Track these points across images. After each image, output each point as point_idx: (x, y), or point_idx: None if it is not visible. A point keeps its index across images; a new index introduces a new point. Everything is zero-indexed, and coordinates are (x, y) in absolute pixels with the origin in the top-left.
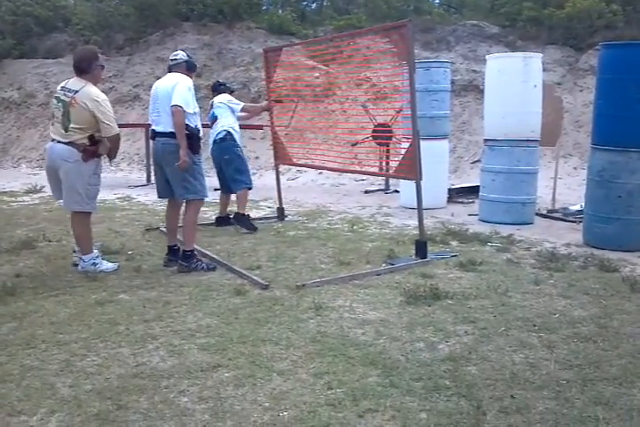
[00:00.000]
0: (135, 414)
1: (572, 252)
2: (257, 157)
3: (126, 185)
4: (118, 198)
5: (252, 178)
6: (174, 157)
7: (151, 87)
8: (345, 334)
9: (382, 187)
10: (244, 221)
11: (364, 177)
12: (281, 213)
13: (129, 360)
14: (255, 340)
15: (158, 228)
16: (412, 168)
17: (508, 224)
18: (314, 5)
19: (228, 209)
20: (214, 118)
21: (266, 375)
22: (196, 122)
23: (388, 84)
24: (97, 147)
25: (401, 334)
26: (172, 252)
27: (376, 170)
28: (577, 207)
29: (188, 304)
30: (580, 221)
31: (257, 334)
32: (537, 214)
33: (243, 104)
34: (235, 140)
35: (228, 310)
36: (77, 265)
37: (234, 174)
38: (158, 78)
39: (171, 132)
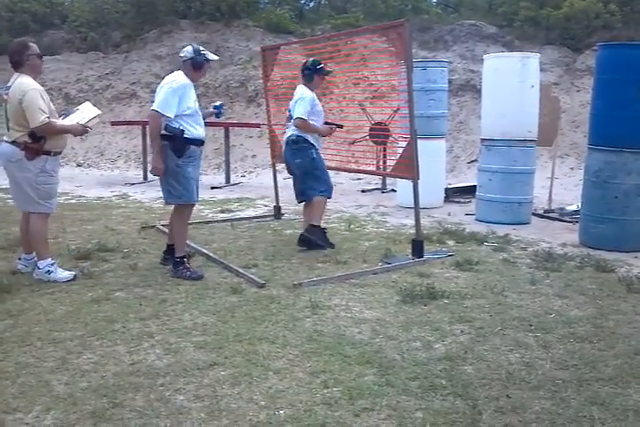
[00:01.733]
0: (131, 412)
1: (568, 252)
2: (254, 156)
3: (123, 182)
4: (115, 196)
5: (250, 176)
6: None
7: (148, 85)
8: (341, 333)
9: (379, 186)
10: (317, 234)
11: (361, 176)
12: (278, 212)
13: (125, 358)
14: (251, 338)
15: (154, 226)
16: (409, 167)
17: (504, 224)
18: (311, 4)
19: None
20: (290, 113)
21: (262, 374)
22: (180, 122)
23: (385, 83)
24: (41, 144)
25: (397, 333)
26: (171, 250)
27: (373, 169)
28: (573, 207)
29: (184, 302)
30: (577, 222)
31: (253, 332)
32: (533, 214)
33: (300, 115)
34: (308, 143)
35: (224, 309)
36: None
37: (308, 181)
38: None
39: (161, 135)
